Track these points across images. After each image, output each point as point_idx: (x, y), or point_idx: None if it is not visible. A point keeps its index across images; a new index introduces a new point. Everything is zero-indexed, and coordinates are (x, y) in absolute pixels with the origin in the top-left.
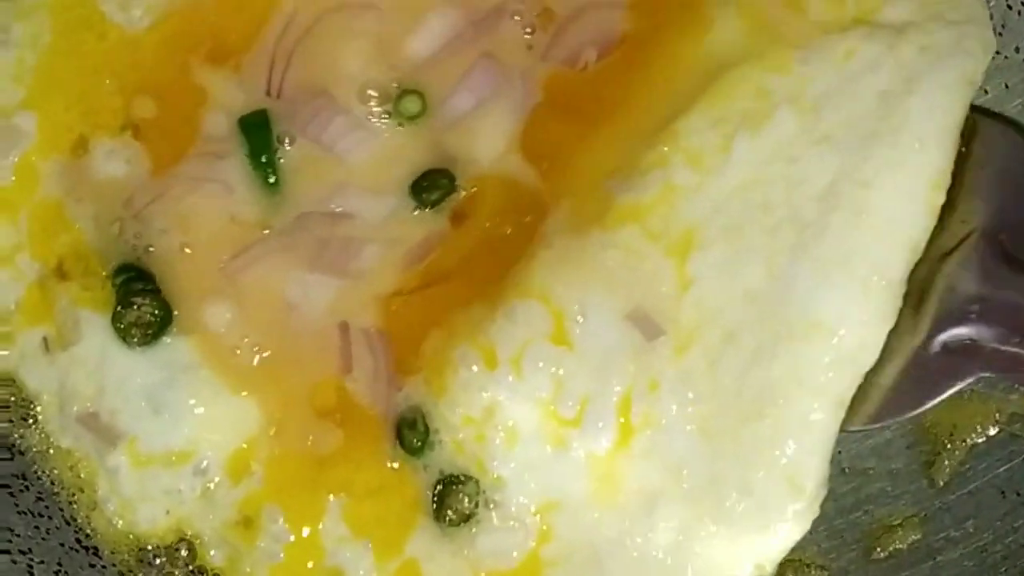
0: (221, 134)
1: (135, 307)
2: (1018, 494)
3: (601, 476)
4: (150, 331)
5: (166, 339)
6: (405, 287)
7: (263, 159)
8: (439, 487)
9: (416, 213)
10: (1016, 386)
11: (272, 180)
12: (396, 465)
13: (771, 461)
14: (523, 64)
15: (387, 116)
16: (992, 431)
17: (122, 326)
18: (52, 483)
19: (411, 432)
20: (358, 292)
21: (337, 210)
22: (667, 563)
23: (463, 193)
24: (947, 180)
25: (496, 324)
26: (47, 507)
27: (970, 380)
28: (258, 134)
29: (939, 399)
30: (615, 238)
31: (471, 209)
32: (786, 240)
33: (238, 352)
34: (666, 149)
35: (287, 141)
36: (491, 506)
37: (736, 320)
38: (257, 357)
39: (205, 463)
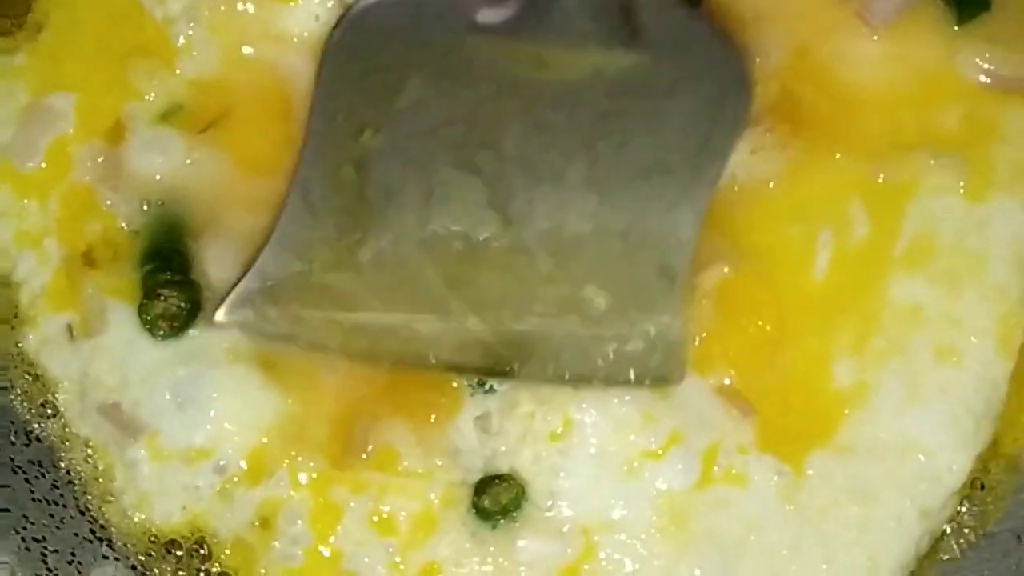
0: None
1: (162, 298)
2: None
3: (669, 511)
4: (176, 323)
5: (193, 332)
6: None
7: None
8: (481, 484)
9: None
10: None
11: None
12: (439, 462)
13: (854, 542)
14: None
15: None
16: None
17: (148, 317)
18: (68, 472)
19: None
20: None
21: None
22: None
23: None
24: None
25: None
26: (62, 495)
27: None
28: None
29: None
30: None
31: None
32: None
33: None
34: None
35: None
36: (538, 512)
37: None
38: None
39: (224, 461)
